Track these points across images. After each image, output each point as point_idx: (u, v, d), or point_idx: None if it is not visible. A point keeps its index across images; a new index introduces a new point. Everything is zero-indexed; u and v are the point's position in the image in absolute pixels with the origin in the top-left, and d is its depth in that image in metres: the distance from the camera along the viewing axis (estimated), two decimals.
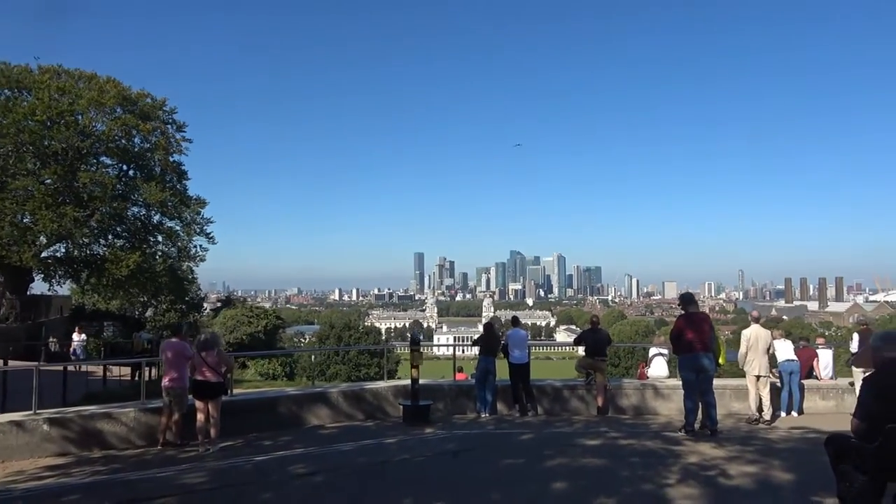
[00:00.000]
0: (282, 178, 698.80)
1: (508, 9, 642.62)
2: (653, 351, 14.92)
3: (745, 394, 12.40)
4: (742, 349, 11.99)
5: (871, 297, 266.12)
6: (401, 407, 12.19)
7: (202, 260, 43.31)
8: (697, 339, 9.79)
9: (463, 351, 12.86)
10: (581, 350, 13.99)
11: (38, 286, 43.03)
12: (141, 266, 36.95)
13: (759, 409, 11.92)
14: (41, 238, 36.03)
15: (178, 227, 40.55)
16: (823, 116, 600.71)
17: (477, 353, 13.36)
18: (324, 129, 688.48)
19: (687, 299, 10.59)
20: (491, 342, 13.27)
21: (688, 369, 9.86)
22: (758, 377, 11.89)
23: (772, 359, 12.29)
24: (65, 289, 51.51)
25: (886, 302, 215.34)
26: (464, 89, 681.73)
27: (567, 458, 8.01)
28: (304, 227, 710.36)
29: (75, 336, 26.31)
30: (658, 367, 14.47)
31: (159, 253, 39.88)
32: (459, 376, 20.23)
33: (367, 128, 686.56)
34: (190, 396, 10.31)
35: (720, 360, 10.68)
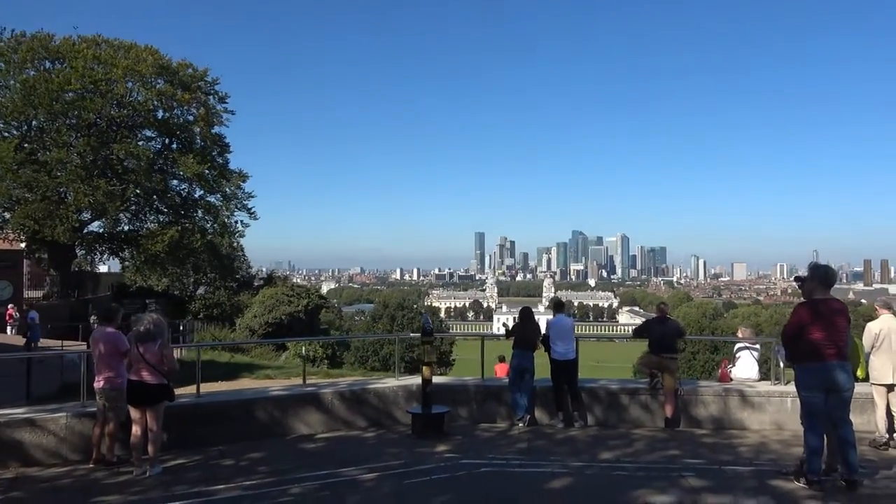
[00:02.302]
0: (346, 160, 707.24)
1: None
2: (739, 345, 11.68)
3: (863, 405, 9.18)
4: (867, 348, 8.73)
5: None
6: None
7: (241, 236, 41.86)
8: (829, 340, 6.35)
9: None
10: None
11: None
12: (179, 242, 35.55)
13: (890, 430, 8.70)
14: (82, 214, 35.00)
15: (218, 202, 39.07)
16: None
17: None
18: (388, 111, 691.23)
19: (820, 276, 6.63)
20: (528, 333, 10.41)
21: (812, 387, 6.47)
22: (890, 387, 8.64)
23: None
24: (115, 265, 51.29)
25: None
26: (523, 72, 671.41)
27: None
28: (367, 208, 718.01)
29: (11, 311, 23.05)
30: (745, 367, 11.23)
31: (200, 228, 38.43)
32: (501, 368, 17.55)
33: (428, 108, 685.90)
34: None
35: (858, 373, 7.31)
